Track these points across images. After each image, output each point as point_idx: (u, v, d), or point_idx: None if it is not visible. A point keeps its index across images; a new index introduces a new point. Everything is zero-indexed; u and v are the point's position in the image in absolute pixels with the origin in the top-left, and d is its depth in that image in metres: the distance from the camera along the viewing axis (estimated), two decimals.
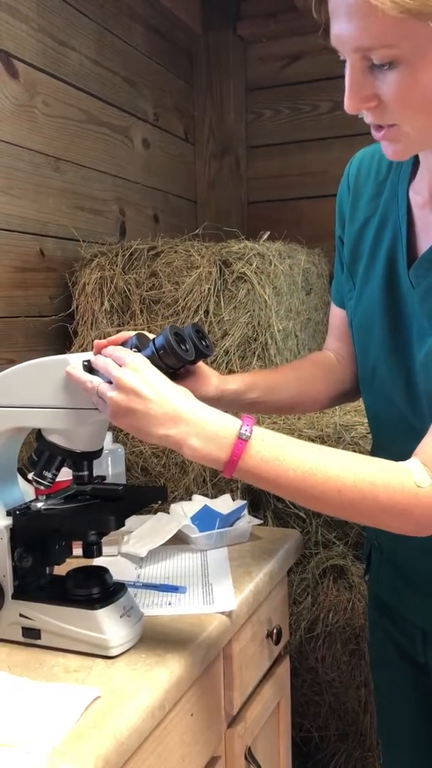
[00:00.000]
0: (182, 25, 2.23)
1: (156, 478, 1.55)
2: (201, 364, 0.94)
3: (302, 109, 2.31)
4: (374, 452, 1.03)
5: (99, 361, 0.82)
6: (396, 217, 0.90)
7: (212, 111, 2.37)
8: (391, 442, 0.94)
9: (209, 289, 1.59)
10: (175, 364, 0.83)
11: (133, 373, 0.78)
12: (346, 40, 0.71)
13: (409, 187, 0.90)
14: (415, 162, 0.90)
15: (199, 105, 2.38)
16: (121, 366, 0.79)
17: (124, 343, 0.86)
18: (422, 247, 0.87)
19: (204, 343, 0.89)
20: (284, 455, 0.75)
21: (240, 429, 0.75)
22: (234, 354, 1.57)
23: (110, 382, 0.79)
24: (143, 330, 1.58)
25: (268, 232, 1.71)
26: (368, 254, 0.94)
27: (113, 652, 0.86)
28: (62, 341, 1.67)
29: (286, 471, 0.74)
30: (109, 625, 0.86)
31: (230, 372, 1.57)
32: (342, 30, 0.71)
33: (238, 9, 2.31)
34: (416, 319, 0.86)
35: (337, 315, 1.08)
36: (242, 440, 0.75)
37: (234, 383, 0.99)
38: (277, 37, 2.28)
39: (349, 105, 0.75)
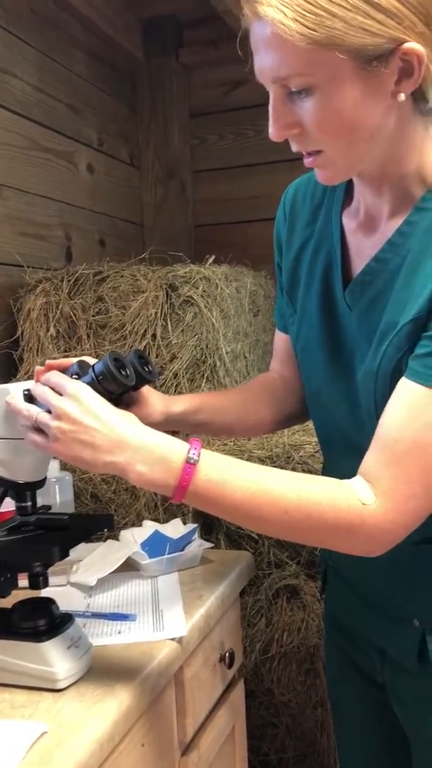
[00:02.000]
0: (124, 52, 2.25)
1: (106, 505, 1.53)
2: (146, 388, 0.94)
3: (246, 133, 2.34)
4: (325, 472, 1.04)
5: (37, 389, 0.81)
6: (330, 243, 0.92)
7: (157, 136, 2.39)
8: (340, 463, 0.95)
9: (156, 313, 1.59)
10: (116, 390, 0.83)
11: (73, 402, 0.77)
12: (265, 72, 0.76)
13: (342, 213, 0.93)
14: (348, 187, 0.93)
15: (143, 130, 2.40)
16: (61, 395, 0.79)
17: (65, 370, 0.85)
18: (356, 270, 0.89)
19: (147, 368, 0.89)
20: (231, 477, 0.75)
21: (188, 453, 0.75)
22: (183, 377, 1.58)
23: (50, 411, 0.78)
24: (89, 355, 1.58)
25: (213, 256, 1.73)
26: (306, 279, 0.96)
27: (61, 685, 0.84)
28: (7, 368, 1.65)
29: (233, 492, 0.75)
30: (55, 658, 0.84)
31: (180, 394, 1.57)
32: (261, 62, 0.76)
33: (180, 36, 2.34)
34: (355, 340, 0.88)
35: (280, 338, 1.09)
36: (190, 464, 0.75)
37: (180, 405, 0.99)
38: (219, 63, 2.31)
39: (273, 132, 0.78)
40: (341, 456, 0.95)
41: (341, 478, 0.96)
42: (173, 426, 1.01)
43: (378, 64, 0.73)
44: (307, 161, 0.81)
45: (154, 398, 0.96)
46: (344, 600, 1.04)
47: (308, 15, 0.70)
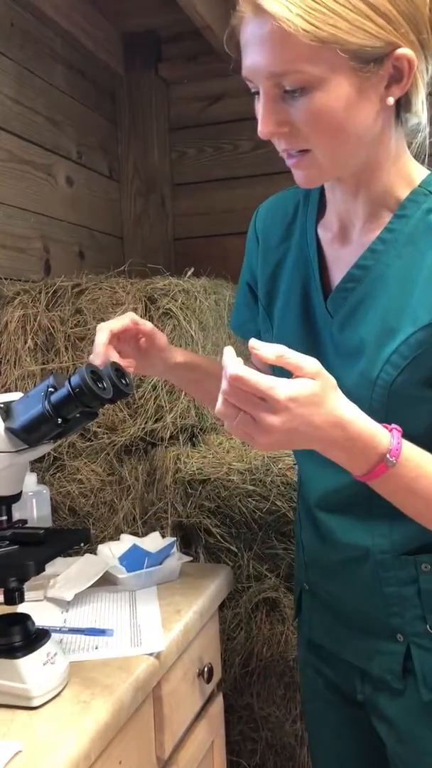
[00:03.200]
0: (104, 66, 2.26)
1: (84, 519, 1.52)
2: (165, 339, 1.01)
3: (225, 148, 2.36)
4: (302, 486, 1.04)
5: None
6: (306, 255, 0.93)
7: (136, 149, 2.40)
8: (319, 473, 0.95)
9: None
10: (92, 403, 0.82)
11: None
12: (260, 68, 0.76)
13: (317, 226, 0.94)
14: (321, 200, 0.94)
15: (122, 144, 2.41)
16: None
17: (40, 385, 0.85)
18: (335, 279, 0.90)
19: (124, 381, 0.89)
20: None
21: (387, 455, 0.75)
22: (162, 389, 1.58)
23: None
24: (67, 368, 1.57)
25: (192, 269, 1.73)
26: (284, 294, 0.96)
27: (36, 702, 0.83)
28: None
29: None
30: (31, 674, 0.83)
31: (159, 407, 1.57)
32: (256, 59, 0.76)
33: (159, 51, 2.35)
34: (339, 348, 0.89)
35: None
36: (385, 465, 0.75)
37: (182, 356, 1.04)
38: (198, 78, 2.33)
39: (263, 130, 0.79)
40: (322, 466, 0.95)
41: (319, 489, 0.96)
42: (169, 375, 1.07)
43: (373, 66, 0.75)
44: (291, 161, 0.82)
45: (173, 349, 1.03)
46: (321, 623, 1.03)
47: (313, 12, 0.71)
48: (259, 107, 0.79)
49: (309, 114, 0.76)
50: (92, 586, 1.17)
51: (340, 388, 0.88)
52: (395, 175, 0.85)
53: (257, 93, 0.79)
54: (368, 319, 0.85)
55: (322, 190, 0.95)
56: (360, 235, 0.88)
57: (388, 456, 0.74)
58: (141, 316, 1.60)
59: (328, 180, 0.88)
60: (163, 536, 1.37)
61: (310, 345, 0.92)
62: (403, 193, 0.86)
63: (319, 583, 1.02)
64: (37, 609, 1.05)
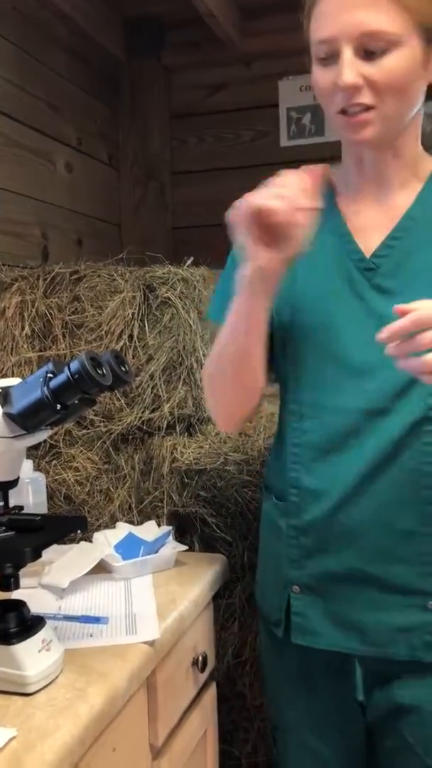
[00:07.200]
0: (106, 52, 2.24)
1: (80, 506, 1.52)
2: None
3: (225, 137, 2.35)
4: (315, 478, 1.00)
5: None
6: (333, 222, 0.99)
7: (136, 137, 2.38)
8: (340, 461, 0.96)
9: (133, 313, 1.58)
10: (92, 389, 0.82)
11: None
12: (352, 27, 0.86)
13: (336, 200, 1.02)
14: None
15: (123, 131, 2.39)
16: None
17: (38, 371, 0.84)
18: (369, 241, 0.97)
19: (123, 369, 0.88)
20: None
21: None
22: (159, 379, 1.57)
23: None
24: (65, 355, 1.56)
25: (192, 258, 1.72)
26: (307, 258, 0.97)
27: (31, 689, 0.83)
28: None
29: None
30: (26, 661, 0.83)
31: (156, 397, 1.56)
32: (351, 19, 0.86)
33: (162, 38, 2.33)
34: (382, 293, 0.95)
35: None
36: None
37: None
38: (200, 66, 2.32)
39: (349, 78, 0.87)
40: (348, 448, 0.95)
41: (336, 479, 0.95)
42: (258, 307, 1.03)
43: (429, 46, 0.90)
44: (355, 119, 0.90)
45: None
46: (323, 622, 0.98)
47: None
48: (342, 61, 0.87)
49: (389, 72, 0.87)
50: (87, 573, 1.16)
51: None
52: (420, 150, 0.98)
53: (324, 59, 0.89)
54: (422, 259, 0.94)
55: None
56: (395, 200, 0.98)
57: None
58: (140, 305, 1.60)
59: (386, 139, 0.94)
60: (159, 525, 1.37)
61: (348, 294, 0.97)
62: (428, 165, 0.99)
63: (340, 561, 0.96)
64: (31, 596, 1.05)
